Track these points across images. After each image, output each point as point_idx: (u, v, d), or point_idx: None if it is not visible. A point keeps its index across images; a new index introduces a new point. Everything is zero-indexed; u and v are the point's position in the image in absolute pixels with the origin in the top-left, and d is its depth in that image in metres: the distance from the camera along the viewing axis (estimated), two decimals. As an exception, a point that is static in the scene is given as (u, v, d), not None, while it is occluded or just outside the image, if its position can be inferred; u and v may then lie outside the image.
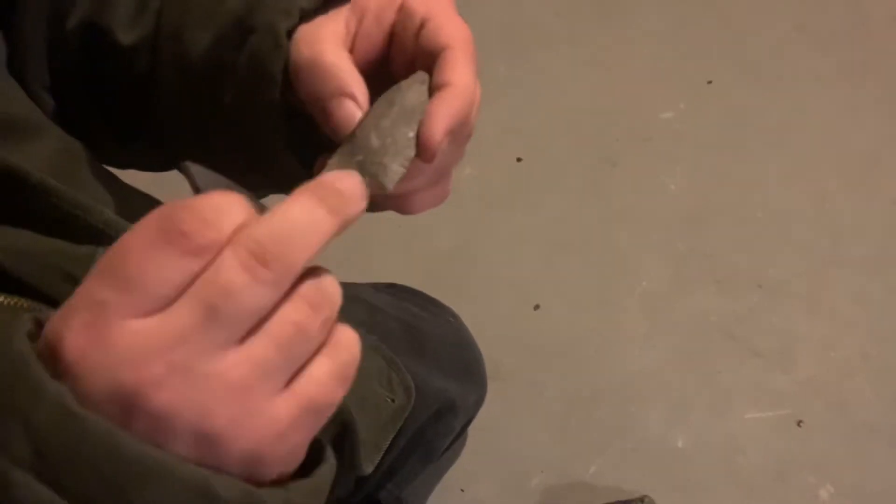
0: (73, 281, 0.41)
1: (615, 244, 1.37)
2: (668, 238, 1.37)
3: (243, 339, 0.28)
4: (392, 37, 0.41)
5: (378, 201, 0.47)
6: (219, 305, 0.27)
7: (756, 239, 1.36)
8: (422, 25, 0.40)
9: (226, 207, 0.28)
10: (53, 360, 0.27)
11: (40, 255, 0.41)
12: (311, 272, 0.30)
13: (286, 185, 0.45)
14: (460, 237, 1.36)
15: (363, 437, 0.67)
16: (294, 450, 0.31)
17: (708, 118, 1.51)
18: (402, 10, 0.40)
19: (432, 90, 0.39)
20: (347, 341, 0.31)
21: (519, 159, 1.45)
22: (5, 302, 0.39)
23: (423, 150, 0.37)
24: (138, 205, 0.55)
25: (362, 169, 0.36)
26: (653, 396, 1.22)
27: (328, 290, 0.30)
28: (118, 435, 0.27)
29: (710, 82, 1.55)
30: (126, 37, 0.48)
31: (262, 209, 0.30)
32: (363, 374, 0.72)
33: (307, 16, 0.41)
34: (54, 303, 0.41)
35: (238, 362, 0.28)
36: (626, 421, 1.20)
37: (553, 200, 1.41)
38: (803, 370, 1.24)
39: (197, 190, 0.33)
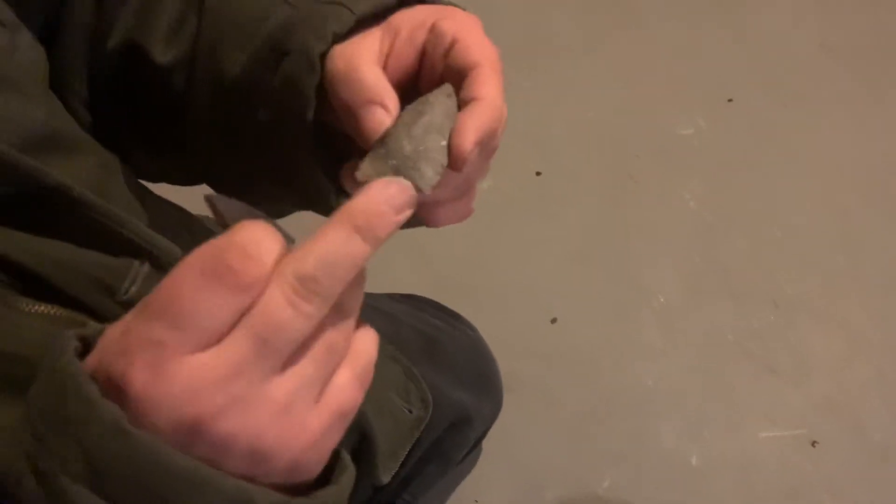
0: (110, 292, 0.43)
1: (633, 258, 1.37)
2: (686, 253, 1.37)
3: (287, 363, 0.31)
4: (423, 56, 0.43)
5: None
6: (269, 338, 0.29)
7: (773, 255, 1.37)
8: (452, 45, 0.41)
9: (266, 242, 0.30)
10: (120, 396, 0.29)
11: (79, 266, 0.42)
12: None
13: (311, 197, 0.46)
14: (479, 249, 1.37)
15: (381, 446, 0.68)
16: (325, 454, 0.33)
17: (728, 135, 1.51)
18: (434, 31, 0.42)
19: (461, 104, 0.40)
20: (365, 345, 0.34)
21: (538, 172, 1.46)
22: (45, 311, 0.40)
23: (454, 159, 0.39)
24: (170, 217, 0.57)
25: (397, 173, 0.38)
26: (667, 411, 1.23)
27: (349, 306, 0.32)
28: (166, 451, 0.29)
29: (730, 100, 1.55)
30: (163, 56, 0.49)
31: (284, 236, 0.32)
32: (382, 384, 0.74)
33: (339, 39, 0.42)
34: (91, 312, 0.42)
35: (285, 384, 0.30)
36: (640, 435, 1.21)
37: (571, 213, 1.42)
38: (819, 389, 1.24)
39: (224, 222, 0.34)
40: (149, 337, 0.29)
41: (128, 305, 0.44)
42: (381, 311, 0.93)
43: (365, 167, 0.38)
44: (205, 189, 0.52)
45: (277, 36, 0.44)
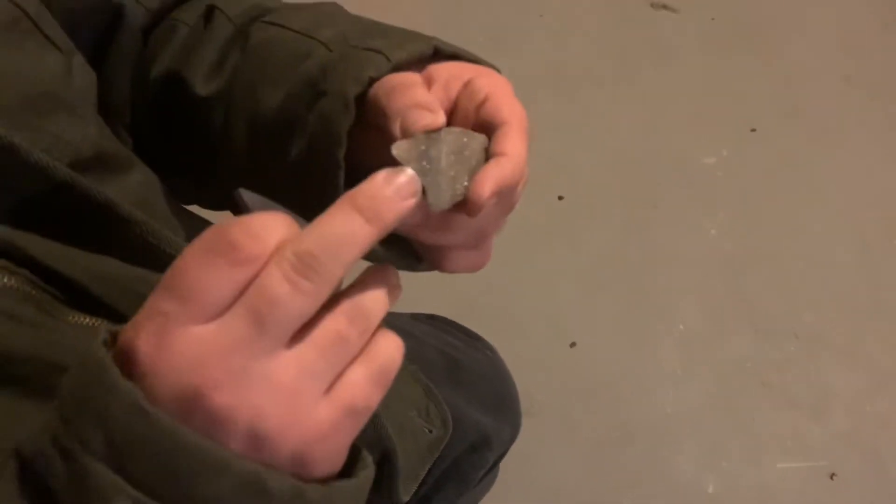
0: None
1: (653, 285, 1.38)
2: (707, 282, 1.38)
3: (290, 344, 0.31)
4: (455, 106, 0.44)
5: (419, 255, 0.50)
6: (265, 313, 0.30)
7: (795, 287, 1.37)
8: (484, 101, 0.43)
9: (271, 223, 0.31)
10: (128, 364, 0.31)
11: (123, 280, 0.44)
12: (356, 288, 0.33)
13: None
14: (500, 272, 1.38)
15: (402, 465, 0.69)
16: (336, 451, 0.33)
17: (750, 165, 1.52)
18: (469, 86, 0.44)
19: (488, 156, 0.42)
20: (386, 348, 0.33)
21: (560, 197, 1.47)
22: (90, 323, 0.42)
23: (471, 203, 0.40)
24: (205, 228, 0.59)
25: (424, 175, 0.39)
26: (685, 439, 1.23)
27: (367, 305, 0.33)
28: (181, 430, 0.29)
29: (753, 130, 1.56)
30: (203, 89, 0.51)
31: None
32: (403, 403, 0.75)
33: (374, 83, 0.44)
34: None
35: (286, 365, 0.30)
36: (657, 462, 1.21)
37: (593, 239, 1.43)
38: (838, 422, 1.23)
39: (248, 212, 0.35)
40: (155, 308, 0.30)
41: None
42: (404, 330, 0.93)
43: (403, 146, 0.39)
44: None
45: (315, 76, 0.46)
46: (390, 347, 0.34)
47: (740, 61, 1.67)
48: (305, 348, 0.31)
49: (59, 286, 0.41)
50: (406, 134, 0.40)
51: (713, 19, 1.74)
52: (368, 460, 0.36)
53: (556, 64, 1.67)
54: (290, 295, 0.30)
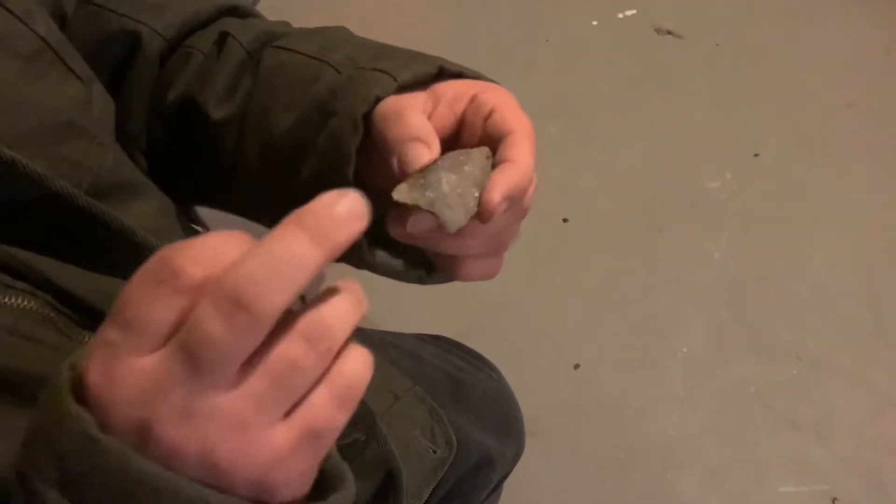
0: None
1: (657, 308, 1.39)
2: (710, 305, 1.38)
3: (238, 376, 0.29)
4: (462, 121, 0.46)
5: (429, 266, 0.51)
6: (199, 353, 0.28)
7: (798, 311, 1.37)
8: (490, 113, 0.45)
9: (219, 246, 0.29)
10: (81, 391, 0.30)
11: None
12: (318, 299, 0.30)
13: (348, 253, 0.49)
14: (505, 293, 1.39)
15: (406, 484, 0.70)
16: (299, 474, 0.32)
17: (754, 189, 1.53)
18: (475, 101, 0.46)
19: (495, 165, 0.44)
20: (352, 365, 0.31)
21: (565, 220, 1.49)
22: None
23: (483, 209, 0.42)
24: None
25: (432, 205, 0.41)
26: (689, 462, 1.23)
27: (328, 321, 0.30)
28: (130, 456, 0.29)
29: (757, 155, 1.57)
30: (217, 112, 0.53)
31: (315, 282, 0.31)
32: (408, 423, 0.76)
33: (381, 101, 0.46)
34: None
35: (233, 399, 0.29)
36: (660, 485, 1.21)
37: (597, 261, 1.44)
38: (841, 446, 1.24)
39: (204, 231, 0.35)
40: (103, 337, 0.29)
41: None
42: (409, 351, 0.95)
43: (402, 189, 0.41)
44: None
45: (325, 98, 0.47)
46: (357, 364, 0.31)
47: (744, 86, 1.69)
48: (255, 380, 0.29)
49: (76, 309, 0.43)
50: (404, 173, 0.42)
51: (717, 45, 1.76)
52: (347, 482, 0.35)
53: (562, 88, 1.69)
54: (224, 333, 0.27)
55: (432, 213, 0.41)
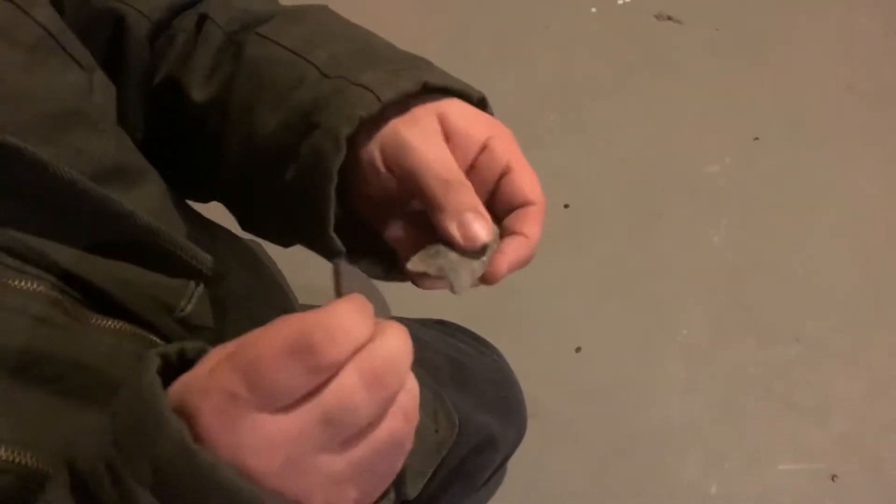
0: (168, 310, 0.48)
1: (657, 293, 1.40)
2: (710, 289, 1.40)
3: (347, 442, 0.34)
4: (473, 170, 0.48)
5: (392, 266, 0.53)
6: (336, 416, 0.33)
7: (797, 294, 1.39)
8: (505, 171, 0.47)
9: (353, 327, 0.33)
10: (184, 418, 0.33)
11: (141, 285, 0.47)
12: (406, 395, 0.35)
13: (319, 249, 0.51)
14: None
15: (410, 463, 0.72)
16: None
17: (753, 173, 1.54)
18: (487, 151, 0.47)
19: (507, 231, 0.48)
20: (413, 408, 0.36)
21: (566, 205, 1.50)
22: (112, 326, 0.45)
23: (489, 278, 0.47)
24: (220, 238, 0.62)
25: (440, 272, 0.46)
26: (689, 444, 1.25)
27: (411, 406, 0.36)
28: (221, 468, 0.32)
29: (756, 138, 1.58)
30: (198, 94, 0.54)
31: (381, 307, 0.37)
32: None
33: (365, 122, 0.46)
34: (151, 327, 0.47)
35: (339, 462, 0.34)
36: (661, 466, 1.23)
37: (598, 247, 1.45)
38: (839, 426, 1.25)
39: (339, 291, 0.39)
40: (226, 387, 0.32)
41: (184, 322, 0.49)
42: (412, 335, 0.97)
43: (416, 261, 0.46)
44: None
45: (308, 108, 0.48)
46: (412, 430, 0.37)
47: (744, 71, 1.69)
48: (362, 449, 0.34)
49: (82, 291, 0.44)
50: (466, 241, 0.45)
51: (717, 30, 1.76)
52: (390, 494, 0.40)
53: (562, 75, 1.70)
54: (365, 402, 0.33)
55: (442, 278, 0.46)
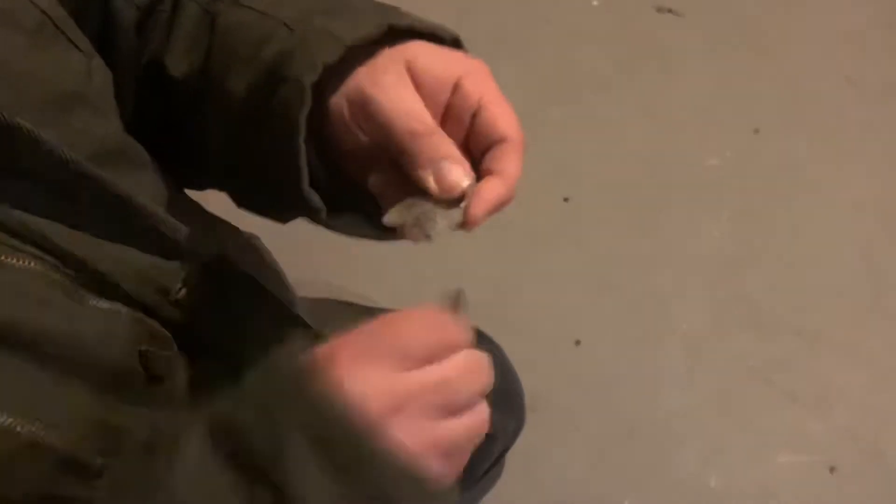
0: (164, 292, 0.48)
1: (657, 285, 1.40)
2: (710, 282, 1.40)
3: (449, 413, 0.41)
4: (447, 113, 0.47)
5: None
6: (448, 386, 0.41)
7: (797, 286, 1.39)
8: (478, 109, 0.46)
9: (468, 331, 0.43)
10: (326, 364, 0.39)
11: (138, 267, 0.47)
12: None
13: (305, 213, 0.51)
14: (506, 272, 1.41)
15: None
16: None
17: (754, 166, 1.54)
18: (458, 92, 0.46)
19: (484, 172, 0.46)
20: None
21: (566, 199, 1.50)
22: (108, 307, 0.45)
23: (466, 223, 0.46)
24: (220, 229, 0.62)
25: (416, 222, 0.46)
26: (688, 436, 1.25)
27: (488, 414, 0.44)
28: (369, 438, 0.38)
29: (756, 131, 1.58)
30: (176, 69, 0.53)
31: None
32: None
33: (331, 70, 0.46)
34: (147, 309, 0.47)
35: (438, 429, 0.40)
36: (660, 458, 1.23)
37: (598, 240, 1.45)
38: (839, 417, 1.25)
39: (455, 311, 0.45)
40: (365, 339, 0.41)
41: (179, 304, 0.49)
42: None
43: (393, 215, 0.46)
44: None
45: (276, 62, 0.47)
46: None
47: (744, 63, 1.69)
48: (455, 427, 0.41)
49: (80, 272, 0.44)
50: (444, 191, 0.45)
51: (718, 22, 1.76)
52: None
53: (563, 68, 1.70)
54: (468, 385, 0.42)
55: (420, 228, 0.46)
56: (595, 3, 1.82)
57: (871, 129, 1.58)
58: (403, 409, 0.39)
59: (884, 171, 1.53)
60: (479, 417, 0.42)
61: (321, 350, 0.40)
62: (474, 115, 0.46)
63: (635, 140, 1.58)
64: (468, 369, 0.41)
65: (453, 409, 0.41)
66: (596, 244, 1.45)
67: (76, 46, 0.49)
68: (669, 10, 1.80)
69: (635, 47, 1.73)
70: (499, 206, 0.46)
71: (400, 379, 0.39)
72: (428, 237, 0.46)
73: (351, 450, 0.38)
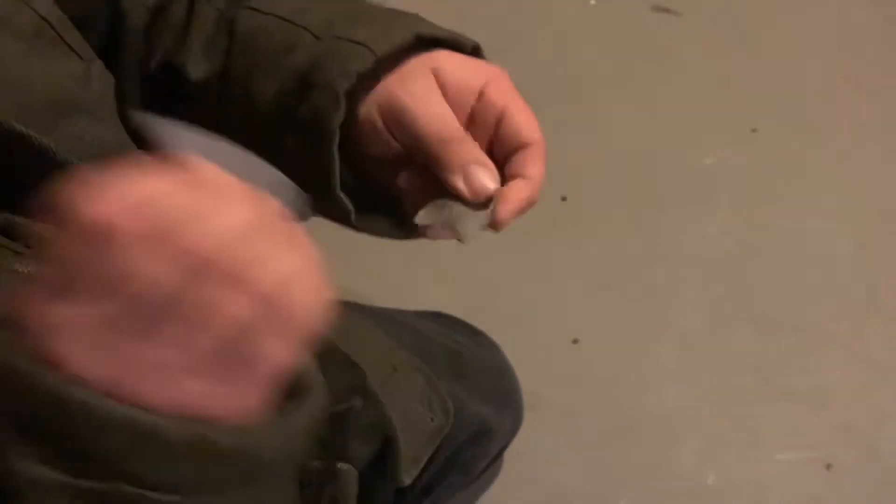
0: None
1: (655, 284, 1.40)
2: (707, 280, 1.40)
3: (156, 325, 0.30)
4: (472, 119, 0.49)
5: (404, 224, 0.54)
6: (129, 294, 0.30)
7: (793, 284, 1.39)
8: (502, 115, 0.48)
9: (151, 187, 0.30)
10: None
11: None
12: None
13: (331, 214, 0.51)
14: (504, 271, 1.41)
15: (403, 451, 0.72)
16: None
17: (751, 165, 1.54)
18: (483, 98, 0.49)
19: (510, 176, 0.49)
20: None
21: (563, 198, 1.50)
22: None
23: (494, 224, 0.48)
24: None
25: (446, 222, 0.47)
26: (686, 433, 1.25)
27: (290, 288, 0.32)
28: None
29: (754, 130, 1.58)
30: (195, 72, 0.54)
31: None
32: (405, 392, 0.79)
33: (363, 78, 0.47)
34: None
35: (156, 349, 0.30)
36: (657, 456, 1.24)
37: (596, 238, 1.46)
38: (836, 415, 1.26)
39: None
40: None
41: None
42: (408, 326, 0.97)
43: (423, 215, 0.48)
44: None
45: (304, 70, 0.49)
46: None
47: (741, 62, 1.69)
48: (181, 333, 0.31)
49: None
50: (473, 194, 0.47)
51: (715, 21, 1.76)
52: (309, 385, 0.35)
53: (560, 67, 1.70)
54: (167, 275, 0.29)
55: (450, 229, 0.48)
56: (592, 2, 1.82)
57: (868, 127, 1.59)
58: (97, 344, 0.29)
59: (881, 170, 1.53)
60: (235, 308, 0.29)
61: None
62: (499, 121, 0.48)
63: (632, 139, 1.59)
64: (163, 254, 0.28)
65: (165, 316, 0.29)
66: (593, 243, 1.45)
67: (75, 52, 0.49)
68: (666, 10, 1.80)
69: (632, 47, 1.73)
70: (525, 208, 0.48)
71: (68, 311, 0.29)
72: (459, 238, 0.47)
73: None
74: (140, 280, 0.28)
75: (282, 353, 0.31)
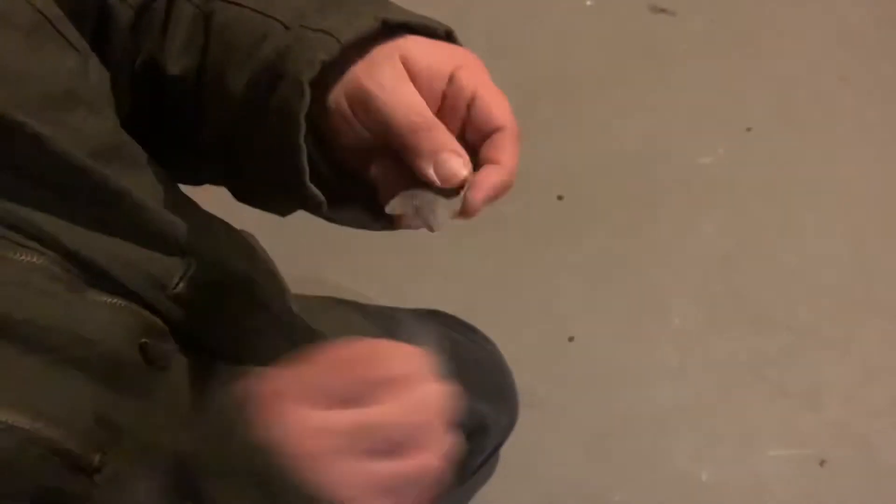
0: (161, 287, 0.49)
1: (650, 282, 1.41)
2: (703, 278, 1.41)
3: (374, 454, 0.39)
4: (443, 105, 0.48)
5: (376, 214, 0.54)
6: (367, 427, 0.39)
7: (789, 282, 1.40)
8: (472, 100, 0.47)
9: (403, 360, 0.42)
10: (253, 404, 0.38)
11: (137, 262, 0.48)
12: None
13: (306, 205, 0.52)
14: (501, 269, 1.42)
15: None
16: None
17: (746, 164, 1.55)
18: (454, 82, 0.48)
19: (482, 161, 0.48)
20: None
21: (560, 197, 1.51)
22: (108, 301, 0.47)
23: (465, 210, 0.47)
24: (216, 226, 0.63)
25: (417, 211, 0.47)
26: (681, 430, 1.26)
27: (450, 455, 0.42)
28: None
29: (749, 129, 1.59)
30: (174, 67, 0.54)
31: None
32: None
33: (329, 66, 0.47)
34: (145, 303, 0.49)
35: (363, 470, 0.38)
36: (653, 452, 1.25)
37: (592, 237, 1.46)
38: (830, 412, 1.27)
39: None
40: (282, 376, 0.39)
41: (177, 299, 0.51)
42: (405, 323, 0.98)
43: (394, 204, 0.47)
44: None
45: (272, 59, 0.48)
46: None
47: (737, 62, 1.70)
48: (388, 469, 0.39)
49: (81, 267, 0.46)
50: (444, 181, 0.46)
51: (711, 21, 1.77)
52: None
53: (556, 67, 1.71)
54: (399, 425, 0.40)
55: (421, 217, 0.47)
56: (589, 2, 1.83)
57: (863, 127, 1.59)
58: (332, 449, 0.37)
59: (876, 169, 1.54)
60: (429, 456, 0.40)
61: (251, 386, 0.39)
62: (469, 106, 0.47)
63: (628, 138, 1.59)
64: (409, 409, 0.39)
65: (390, 449, 0.39)
66: (589, 242, 1.46)
67: (72, 45, 0.50)
68: (663, 10, 1.81)
69: (629, 47, 1.73)
70: (497, 194, 0.47)
71: (323, 419, 0.38)
72: (429, 226, 0.46)
73: (274, 491, 0.37)
74: (400, 424, 0.39)
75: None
